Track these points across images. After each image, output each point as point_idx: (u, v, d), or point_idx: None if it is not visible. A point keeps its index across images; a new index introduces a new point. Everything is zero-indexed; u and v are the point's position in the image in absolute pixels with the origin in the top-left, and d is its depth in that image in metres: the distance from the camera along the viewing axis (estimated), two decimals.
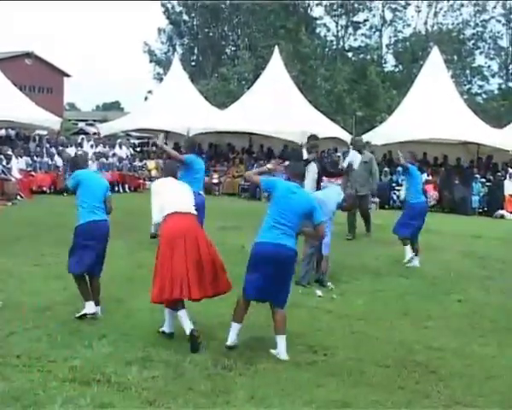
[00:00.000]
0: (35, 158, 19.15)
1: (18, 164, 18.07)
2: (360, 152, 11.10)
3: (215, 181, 21.59)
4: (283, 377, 4.94)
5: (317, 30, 51.27)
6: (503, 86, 48.24)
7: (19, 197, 16.74)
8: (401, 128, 20.30)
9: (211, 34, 52.12)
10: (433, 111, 20.14)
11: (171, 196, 5.78)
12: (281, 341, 5.42)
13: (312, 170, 8.92)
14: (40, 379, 4.65)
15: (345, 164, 9.34)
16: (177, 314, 5.56)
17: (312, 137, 9.49)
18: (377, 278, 8.80)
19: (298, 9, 48.67)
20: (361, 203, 12.05)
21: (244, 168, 20.45)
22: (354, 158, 9.85)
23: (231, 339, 5.50)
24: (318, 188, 8.97)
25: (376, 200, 19.63)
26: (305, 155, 9.29)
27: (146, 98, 41.69)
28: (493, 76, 49.22)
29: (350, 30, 50.59)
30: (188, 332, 5.42)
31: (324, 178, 10.11)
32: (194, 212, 5.87)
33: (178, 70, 27.93)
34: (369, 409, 4.48)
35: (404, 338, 5.99)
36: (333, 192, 8.22)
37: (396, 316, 6.86)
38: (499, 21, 47.90)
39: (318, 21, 50.97)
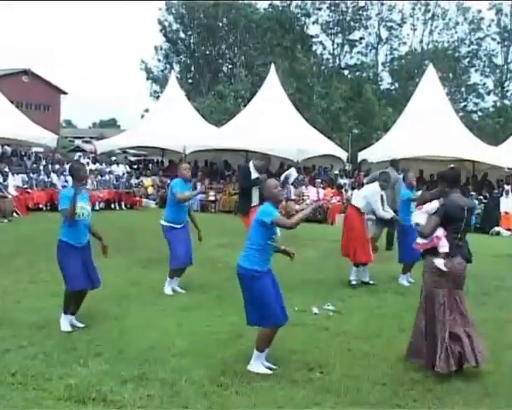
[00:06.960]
0: (31, 175, 19.17)
1: (14, 181, 18.09)
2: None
3: (211, 198, 21.62)
4: (280, 394, 4.92)
5: (314, 48, 51.80)
6: (499, 104, 48.64)
7: (15, 214, 16.74)
8: (397, 146, 20.32)
9: (207, 52, 52.51)
10: (428, 128, 20.22)
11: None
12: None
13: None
14: (35, 397, 4.62)
15: (282, 177, 9.44)
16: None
17: (265, 158, 9.94)
18: (374, 295, 8.79)
19: (294, 27, 49.07)
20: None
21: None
22: (292, 172, 9.96)
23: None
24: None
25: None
26: (254, 174, 9.73)
27: (142, 116, 41.89)
28: (488, 93, 49.71)
29: (346, 48, 51.15)
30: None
31: None
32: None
33: (175, 88, 28.08)
34: None
35: (401, 355, 5.97)
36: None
37: (393, 333, 6.84)
38: (494, 39, 48.56)
39: (314, 39, 51.55)
